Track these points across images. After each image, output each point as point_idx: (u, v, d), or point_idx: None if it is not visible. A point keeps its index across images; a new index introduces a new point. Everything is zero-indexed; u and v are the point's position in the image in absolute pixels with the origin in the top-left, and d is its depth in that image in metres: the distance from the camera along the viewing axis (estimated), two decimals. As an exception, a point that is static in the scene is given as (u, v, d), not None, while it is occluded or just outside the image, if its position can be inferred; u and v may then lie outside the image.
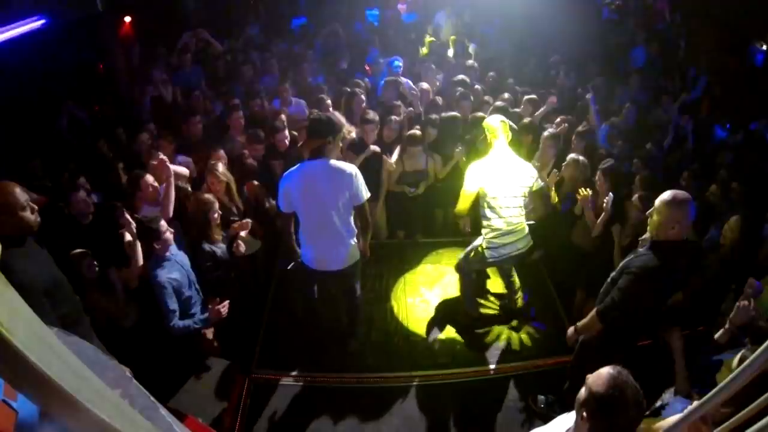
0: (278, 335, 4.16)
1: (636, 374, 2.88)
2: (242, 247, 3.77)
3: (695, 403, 1.57)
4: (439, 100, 5.50)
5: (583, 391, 1.76)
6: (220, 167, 3.95)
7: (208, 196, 3.63)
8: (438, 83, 6.31)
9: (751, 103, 5.90)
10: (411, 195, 4.75)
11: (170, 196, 3.62)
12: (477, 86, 5.96)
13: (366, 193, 3.36)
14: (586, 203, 3.88)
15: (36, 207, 2.40)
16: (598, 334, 2.96)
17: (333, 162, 3.25)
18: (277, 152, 4.74)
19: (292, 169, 3.31)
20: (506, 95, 5.58)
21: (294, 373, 3.83)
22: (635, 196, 3.65)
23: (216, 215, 3.59)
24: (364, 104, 5.30)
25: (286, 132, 4.73)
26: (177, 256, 3.36)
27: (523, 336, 4.18)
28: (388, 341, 4.14)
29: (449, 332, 4.20)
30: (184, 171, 4.19)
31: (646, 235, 3.48)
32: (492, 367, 3.93)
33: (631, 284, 2.67)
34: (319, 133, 3.22)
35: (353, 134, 4.73)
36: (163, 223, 3.22)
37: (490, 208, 3.69)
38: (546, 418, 3.52)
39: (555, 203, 4.27)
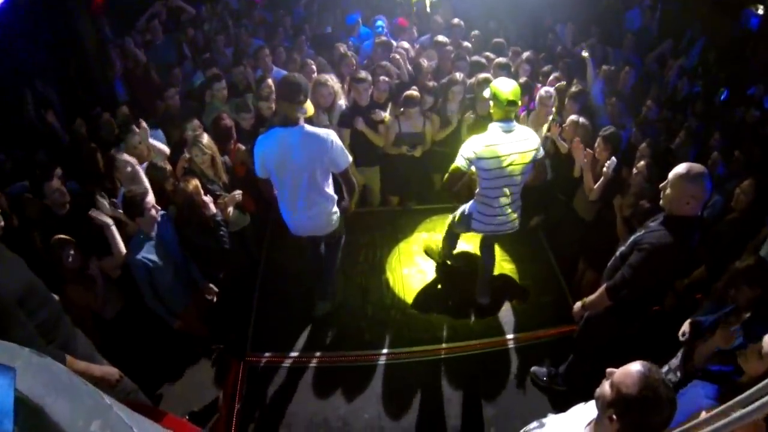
0: (271, 315, 4.05)
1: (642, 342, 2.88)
2: (212, 209, 3.53)
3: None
4: (424, 62, 5.20)
5: (608, 389, 1.62)
6: (205, 138, 3.69)
7: (189, 186, 3.35)
8: (416, 45, 5.99)
9: (746, 67, 5.73)
10: (409, 154, 4.55)
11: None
12: (466, 44, 5.65)
13: (347, 159, 3.22)
14: (586, 163, 3.76)
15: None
16: (606, 310, 2.88)
17: (307, 128, 3.08)
18: (264, 120, 4.46)
19: (265, 134, 3.16)
20: (490, 55, 5.29)
21: (290, 354, 3.75)
22: (641, 163, 3.54)
23: (201, 198, 3.39)
24: (354, 66, 5.02)
25: (272, 102, 4.44)
26: (162, 237, 3.20)
27: (524, 306, 4.13)
28: (385, 316, 4.06)
29: (448, 305, 4.14)
30: (163, 148, 3.91)
31: (645, 203, 3.43)
32: (493, 339, 3.89)
33: (644, 261, 2.57)
34: (289, 97, 2.99)
35: (343, 100, 4.47)
36: (149, 199, 3.04)
37: (491, 187, 3.41)
38: (548, 391, 3.55)
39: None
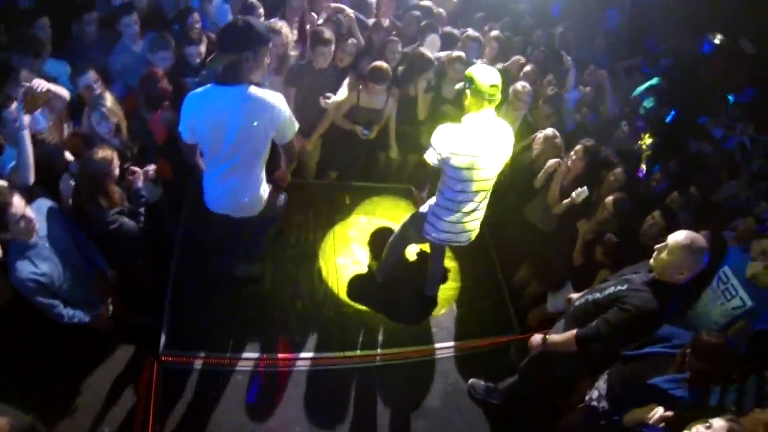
0: (188, 309, 3.41)
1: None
2: (139, 183, 3.05)
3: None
4: (385, 21, 4.59)
5: None
6: (108, 100, 2.97)
7: (103, 154, 2.69)
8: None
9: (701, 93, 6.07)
10: (363, 137, 4.04)
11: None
12: (441, 11, 5.10)
13: (293, 128, 2.69)
14: (558, 174, 3.66)
15: None
16: (567, 353, 2.77)
17: (252, 90, 2.49)
18: (189, 67, 3.65)
19: (198, 91, 2.57)
20: (471, 31, 4.84)
21: (212, 355, 3.21)
22: (609, 199, 3.45)
23: (115, 174, 2.78)
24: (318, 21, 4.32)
25: (203, 47, 3.67)
26: (50, 236, 2.57)
27: (463, 311, 3.97)
28: (316, 313, 3.64)
29: (384, 304, 3.80)
30: (63, 93, 2.96)
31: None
32: (430, 347, 3.69)
33: (625, 323, 2.48)
34: (234, 47, 2.41)
35: (294, 51, 3.81)
36: (15, 202, 2.30)
37: (459, 190, 2.97)
38: (484, 405, 3.48)
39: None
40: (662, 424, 2.37)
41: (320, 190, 4.45)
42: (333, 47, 3.71)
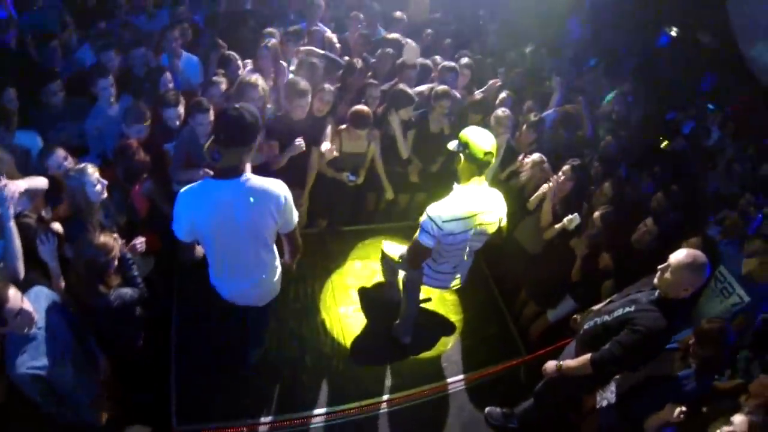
0: (195, 380, 3.39)
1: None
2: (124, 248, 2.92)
3: None
4: (358, 62, 4.65)
5: None
6: (91, 171, 2.86)
7: (104, 240, 2.60)
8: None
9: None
10: (351, 183, 4.11)
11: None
12: (411, 42, 5.22)
13: (296, 217, 2.65)
14: (549, 197, 3.78)
15: None
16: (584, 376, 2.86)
17: (254, 183, 2.40)
18: (167, 132, 3.67)
19: (194, 187, 2.42)
20: (438, 58, 5.01)
21: (225, 425, 3.17)
22: (596, 214, 3.57)
23: (115, 263, 2.69)
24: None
25: (181, 108, 3.64)
26: (45, 329, 2.45)
27: (470, 342, 4.04)
28: (326, 367, 3.67)
29: (391, 349, 3.84)
30: (40, 184, 2.91)
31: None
32: (443, 383, 3.74)
33: (637, 343, 2.58)
34: (242, 141, 2.29)
35: (270, 105, 3.88)
36: (11, 296, 2.22)
37: (450, 252, 3.03)
38: (503, 431, 3.54)
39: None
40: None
41: (312, 239, 4.47)
42: (309, 97, 3.75)
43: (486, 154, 2.77)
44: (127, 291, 2.82)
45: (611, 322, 2.75)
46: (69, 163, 3.22)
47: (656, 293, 2.64)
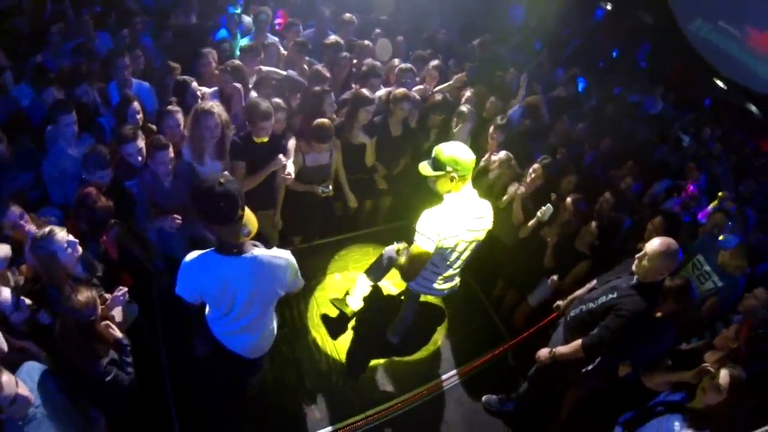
0: (197, 421, 3.40)
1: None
2: (118, 333, 2.81)
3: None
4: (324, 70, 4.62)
5: None
6: (61, 238, 2.71)
7: (85, 297, 2.49)
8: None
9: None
10: (324, 195, 4.13)
11: None
12: (367, 42, 5.22)
13: (301, 282, 2.73)
14: (519, 196, 3.99)
15: None
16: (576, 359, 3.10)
17: (260, 257, 2.39)
18: (129, 169, 3.52)
19: (199, 260, 2.37)
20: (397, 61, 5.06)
21: None
22: (568, 200, 3.80)
23: (99, 313, 2.61)
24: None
25: (140, 141, 3.45)
26: (42, 405, 2.38)
27: (458, 337, 4.24)
28: (326, 385, 3.77)
29: (385, 355, 3.98)
30: (1, 254, 2.76)
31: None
32: (439, 380, 3.94)
33: (622, 327, 2.85)
34: (234, 215, 2.20)
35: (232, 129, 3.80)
36: (4, 382, 2.13)
37: (443, 261, 3.10)
38: (501, 415, 3.78)
39: None
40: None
41: (288, 259, 4.53)
42: (273, 119, 3.70)
43: (473, 161, 2.87)
44: (121, 374, 2.73)
45: (596, 309, 3.01)
46: (26, 220, 3.03)
47: (634, 278, 2.91)
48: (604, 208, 3.95)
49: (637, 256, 2.89)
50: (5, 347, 2.49)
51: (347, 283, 4.41)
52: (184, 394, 3.50)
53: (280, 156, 3.74)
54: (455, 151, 2.84)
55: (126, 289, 3.03)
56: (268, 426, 3.47)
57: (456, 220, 2.89)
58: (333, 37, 5.15)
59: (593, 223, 3.76)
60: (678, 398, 2.91)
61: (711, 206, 4.46)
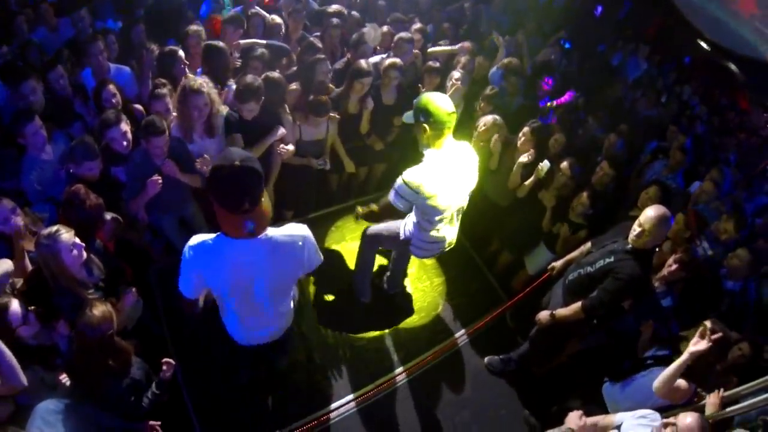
0: (213, 408, 3.44)
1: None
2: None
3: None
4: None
5: None
6: (67, 239, 2.63)
7: (101, 311, 2.43)
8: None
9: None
10: (320, 167, 4.15)
11: None
12: (354, 13, 5.12)
13: (320, 257, 2.49)
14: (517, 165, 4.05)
15: None
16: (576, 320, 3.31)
17: (276, 238, 2.21)
18: (115, 155, 3.40)
19: (207, 244, 2.17)
20: (386, 28, 4.94)
21: None
22: (564, 164, 3.90)
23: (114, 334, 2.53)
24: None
25: (124, 125, 3.33)
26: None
27: (456, 301, 4.39)
28: (335, 358, 3.86)
29: (388, 323, 4.10)
30: (3, 269, 2.67)
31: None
32: (443, 344, 4.08)
33: (621, 289, 3.09)
34: (229, 204, 2.01)
35: (223, 108, 3.71)
36: None
37: (435, 216, 3.08)
38: (505, 376, 4.00)
39: None
40: None
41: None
42: (262, 96, 3.63)
43: (449, 114, 2.80)
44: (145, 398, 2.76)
45: (595, 273, 3.20)
46: (18, 216, 2.94)
47: (629, 244, 3.09)
48: (605, 180, 4.06)
49: (634, 226, 3.06)
50: (25, 382, 2.44)
51: (346, 254, 4.46)
52: (197, 383, 3.50)
53: (280, 127, 3.70)
54: (431, 100, 2.80)
55: (134, 289, 3.03)
56: (283, 404, 3.57)
57: (438, 176, 2.84)
58: (335, 6, 5.07)
59: (584, 194, 3.86)
60: (666, 353, 3.16)
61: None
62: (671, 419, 2.50)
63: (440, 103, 2.79)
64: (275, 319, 2.64)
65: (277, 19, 4.85)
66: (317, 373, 3.75)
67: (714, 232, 3.93)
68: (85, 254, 2.74)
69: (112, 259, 3.20)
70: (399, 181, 2.87)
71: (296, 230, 2.32)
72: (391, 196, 2.94)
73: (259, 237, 2.17)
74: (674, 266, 3.42)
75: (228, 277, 2.26)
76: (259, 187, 2.03)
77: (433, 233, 3.25)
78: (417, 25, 5.20)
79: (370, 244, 3.75)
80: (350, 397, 3.65)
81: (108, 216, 3.19)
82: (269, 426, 3.43)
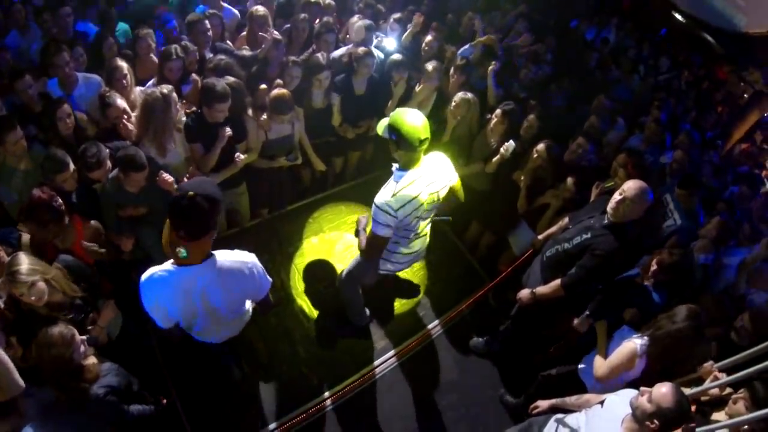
0: (202, 409, 3.53)
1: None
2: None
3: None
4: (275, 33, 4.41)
5: (647, 404, 2.29)
6: (24, 264, 2.59)
7: (59, 331, 2.42)
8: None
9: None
10: (291, 163, 4.23)
11: None
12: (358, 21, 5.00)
13: (268, 283, 2.67)
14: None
15: None
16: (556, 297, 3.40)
17: (221, 263, 2.38)
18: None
19: (160, 277, 2.30)
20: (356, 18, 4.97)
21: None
22: (541, 146, 3.99)
23: (80, 350, 2.51)
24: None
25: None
26: None
27: (438, 286, 4.50)
28: (320, 350, 3.97)
29: (372, 313, 4.17)
30: None
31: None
32: (427, 330, 4.21)
33: (599, 266, 3.15)
34: (206, 229, 2.22)
35: (182, 114, 3.77)
36: None
37: (408, 237, 3.16)
38: (489, 356, 4.13)
39: None
40: None
41: (262, 230, 4.58)
42: (230, 100, 3.62)
43: (421, 141, 2.74)
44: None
45: (572, 249, 3.28)
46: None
47: (606, 218, 3.18)
48: (579, 153, 4.14)
49: (615, 195, 3.13)
50: (22, 384, 2.48)
51: (325, 245, 4.55)
52: (183, 382, 3.58)
53: (226, 129, 3.71)
54: (405, 122, 2.73)
55: (112, 301, 3.04)
56: (268, 398, 3.66)
57: (408, 193, 2.82)
58: None
59: (570, 180, 3.93)
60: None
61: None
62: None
63: (412, 126, 2.72)
64: (233, 325, 2.92)
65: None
66: (302, 365, 3.84)
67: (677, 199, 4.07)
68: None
69: (91, 274, 3.20)
70: (374, 209, 2.86)
71: (242, 257, 2.50)
72: (372, 227, 2.92)
73: (202, 263, 2.32)
74: (654, 267, 3.42)
75: (185, 305, 2.44)
76: (200, 222, 2.17)
77: (411, 246, 3.31)
78: (396, 15, 5.28)
79: (349, 286, 3.74)
80: (338, 387, 3.75)
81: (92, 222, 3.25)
82: (259, 421, 3.53)
